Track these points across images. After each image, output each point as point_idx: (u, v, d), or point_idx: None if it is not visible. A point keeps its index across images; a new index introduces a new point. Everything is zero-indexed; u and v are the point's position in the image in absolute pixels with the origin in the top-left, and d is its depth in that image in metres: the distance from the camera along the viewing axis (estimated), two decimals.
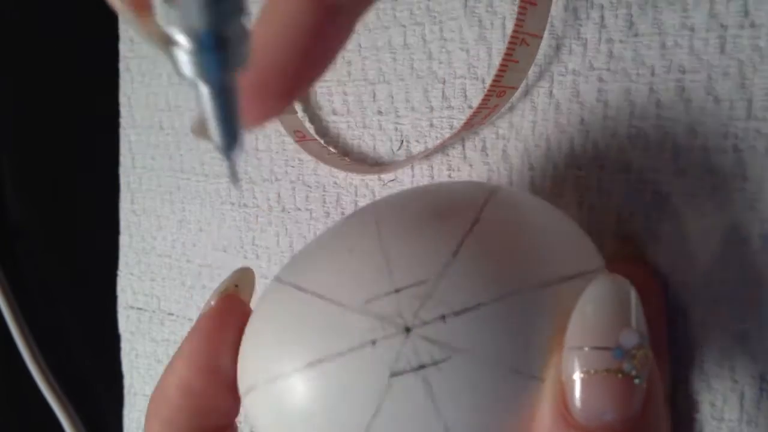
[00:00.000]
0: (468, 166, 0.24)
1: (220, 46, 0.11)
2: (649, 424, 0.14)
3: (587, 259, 0.17)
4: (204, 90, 0.12)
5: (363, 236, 0.16)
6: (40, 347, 0.37)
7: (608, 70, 0.21)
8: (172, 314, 0.31)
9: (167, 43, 0.11)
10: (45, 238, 0.37)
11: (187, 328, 0.31)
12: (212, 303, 0.19)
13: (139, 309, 0.32)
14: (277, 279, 0.18)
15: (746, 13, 0.19)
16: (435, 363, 0.15)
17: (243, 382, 0.17)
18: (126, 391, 0.33)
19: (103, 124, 0.33)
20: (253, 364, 0.17)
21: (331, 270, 0.16)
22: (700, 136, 0.20)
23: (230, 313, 0.19)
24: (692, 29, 0.20)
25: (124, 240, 0.33)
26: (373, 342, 0.15)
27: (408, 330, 0.15)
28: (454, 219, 0.16)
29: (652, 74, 0.20)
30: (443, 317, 0.15)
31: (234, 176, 0.14)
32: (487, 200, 0.17)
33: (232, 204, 0.29)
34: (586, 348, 0.14)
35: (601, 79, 0.21)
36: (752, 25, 0.19)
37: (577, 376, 0.14)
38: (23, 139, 0.37)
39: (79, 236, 0.36)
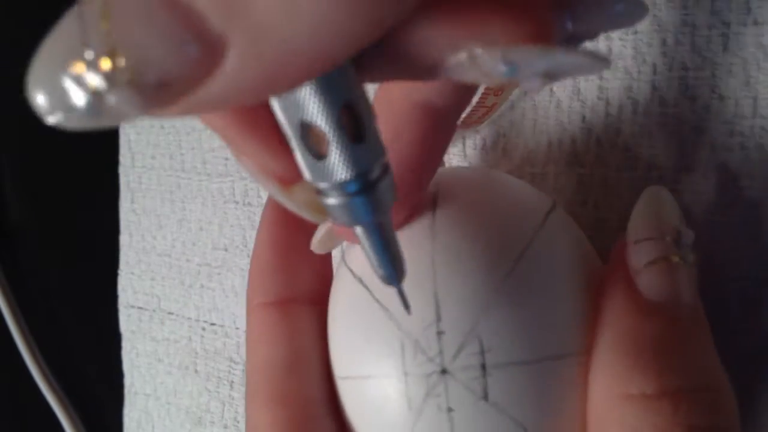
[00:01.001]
0: (468, 165, 0.23)
1: (366, 191, 0.12)
2: (700, 309, 0.16)
3: None
4: (359, 230, 0.13)
5: (419, 269, 0.16)
6: (40, 347, 0.37)
7: (608, 68, 0.21)
8: (171, 313, 0.31)
9: (319, 195, 0.12)
10: (45, 238, 0.37)
11: (186, 327, 0.31)
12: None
13: (140, 308, 0.32)
14: (351, 272, 0.18)
15: (749, 11, 0.19)
16: (463, 408, 0.15)
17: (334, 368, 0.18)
18: (126, 390, 0.33)
19: None
20: (336, 357, 0.18)
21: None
22: (706, 134, 0.19)
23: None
24: (693, 26, 0.19)
25: (124, 239, 0.33)
26: (406, 374, 0.16)
27: (444, 372, 0.15)
28: (504, 252, 0.16)
29: (654, 72, 0.20)
30: (483, 366, 0.15)
31: (405, 302, 0.14)
32: (535, 233, 0.17)
33: (236, 203, 0.29)
34: (653, 240, 0.16)
35: (601, 77, 0.21)
36: (755, 23, 0.19)
37: (647, 262, 0.16)
38: (23, 139, 0.37)
39: (78, 236, 0.36)
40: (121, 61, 0.08)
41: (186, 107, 0.09)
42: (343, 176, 0.12)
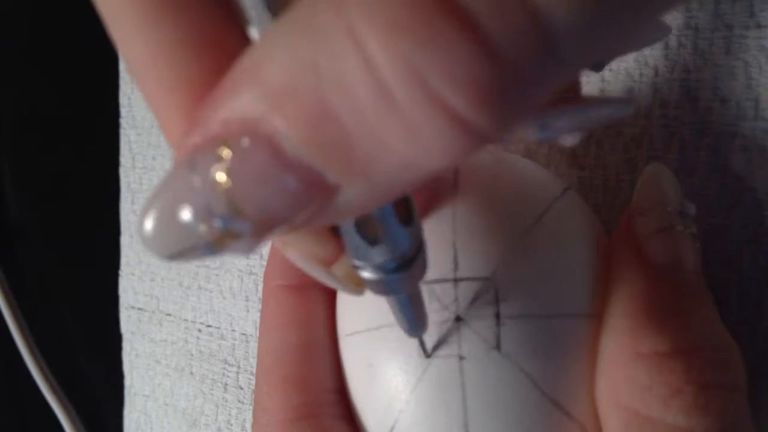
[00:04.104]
0: None
1: (402, 268, 0.13)
2: (703, 279, 0.16)
3: None
4: (391, 299, 0.14)
5: (439, 219, 0.17)
6: (40, 347, 0.37)
7: (610, 69, 0.21)
8: (169, 315, 0.31)
9: (356, 269, 0.13)
10: (45, 238, 0.37)
11: (183, 328, 0.30)
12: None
13: (140, 309, 0.32)
14: None
15: (752, 14, 0.19)
16: (475, 356, 0.15)
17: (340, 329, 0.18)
18: (126, 391, 0.33)
19: (103, 124, 0.32)
20: (346, 315, 0.18)
21: None
22: (707, 137, 0.19)
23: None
24: (696, 29, 0.19)
25: (124, 240, 0.33)
26: None
27: (459, 319, 0.15)
28: (523, 214, 0.16)
29: (656, 74, 0.20)
30: (497, 316, 0.15)
31: (425, 350, 0.15)
32: (550, 206, 0.17)
33: None
34: (657, 210, 0.16)
35: (603, 79, 0.21)
36: (758, 26, 0.18)
37: (654, 231, 0.16)
38: (23, 139, 0.37)
39: (79, 236, 0.36)
40: (246, 217, 0.09)
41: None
42: (385, 259, 0.12)
